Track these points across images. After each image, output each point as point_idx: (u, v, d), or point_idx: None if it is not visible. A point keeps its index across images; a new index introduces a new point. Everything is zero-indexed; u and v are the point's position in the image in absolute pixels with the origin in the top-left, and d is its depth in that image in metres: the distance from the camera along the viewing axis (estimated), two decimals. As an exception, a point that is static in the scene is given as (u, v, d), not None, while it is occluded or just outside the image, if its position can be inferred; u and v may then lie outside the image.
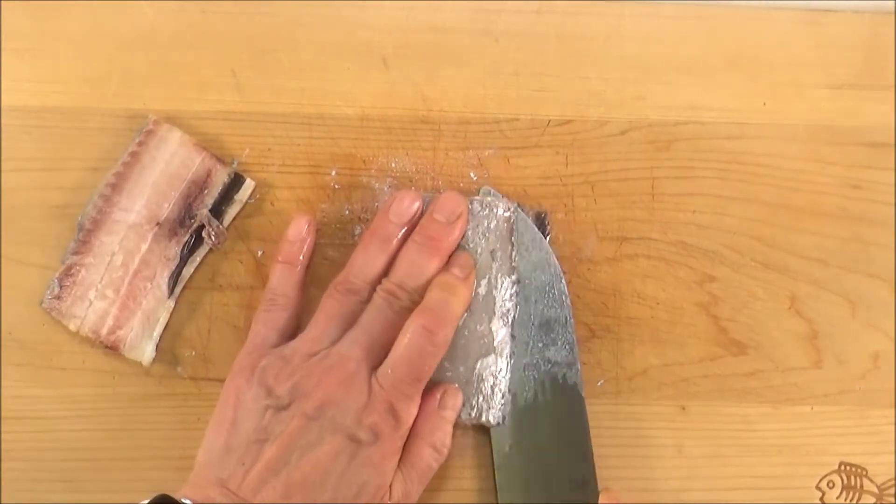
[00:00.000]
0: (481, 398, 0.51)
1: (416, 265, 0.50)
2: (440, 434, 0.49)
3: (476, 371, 0.51)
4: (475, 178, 0.55)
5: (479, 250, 0.52)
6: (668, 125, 0.56)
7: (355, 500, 0.46)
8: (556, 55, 0.56)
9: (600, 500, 0.50)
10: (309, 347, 0.49)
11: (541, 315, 0.52)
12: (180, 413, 0.53)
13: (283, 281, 0.52)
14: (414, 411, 0.48)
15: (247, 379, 0.48)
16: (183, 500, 0.44)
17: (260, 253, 0.54)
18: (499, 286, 0.52)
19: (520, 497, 0.51)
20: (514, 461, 0.51)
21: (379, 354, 0.48)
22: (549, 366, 0.52)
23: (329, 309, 0.50)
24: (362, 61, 0.56)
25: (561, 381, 0.52)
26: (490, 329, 0.51)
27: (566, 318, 0.53)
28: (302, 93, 0.56)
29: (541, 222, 0.54)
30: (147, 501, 0.44)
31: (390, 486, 0.47)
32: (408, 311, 0.49)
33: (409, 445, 0.49)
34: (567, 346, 0.52)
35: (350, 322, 0.49)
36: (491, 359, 0.51)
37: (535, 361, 0.52)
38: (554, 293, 0.53)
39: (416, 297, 0.49)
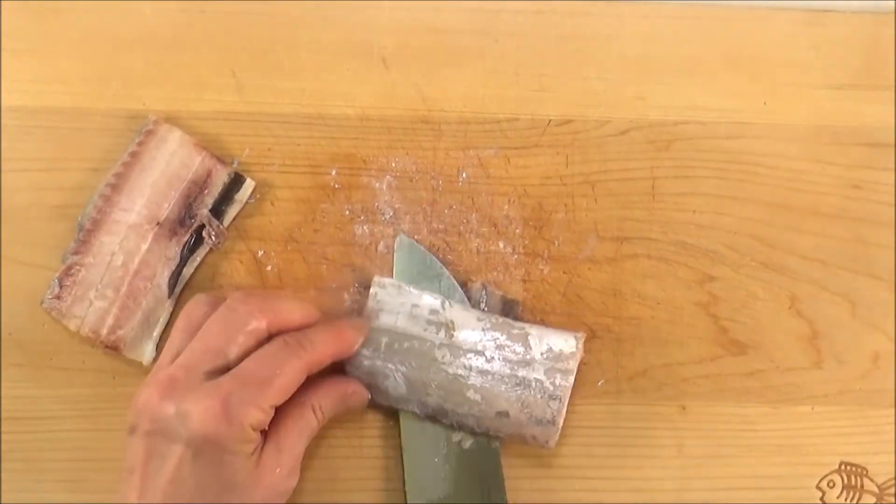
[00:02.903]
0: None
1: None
2: (326, 406, 0.49)
3: None
4: (464, 177, 0.55)
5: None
6: (668, 125, 0.56)
7: (221, 494, 0.45)
8: (556, 55, 0.56)
9: None
10: (157, 367, 0.48)
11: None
12: (180, 413, 0.53)
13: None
14: (256, 414, 0.45)
15: None
16: None
17: (260, 253, 0.55)
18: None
19: None
20: None
21: (221, 364, 0.46)
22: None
23: (179, 324, 0.49)
24: (362, 61, 0.56)
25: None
26: (429, 393, 0.51)
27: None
28: (302, 93, 0.56)
29: (508, 307, 0.54)
30: None
31: (259, 461, 0.46)
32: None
33: (277, 420, 0.47)
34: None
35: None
36: (405, 392, 0.51)
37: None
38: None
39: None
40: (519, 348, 0.51)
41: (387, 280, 0.53)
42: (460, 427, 0.52)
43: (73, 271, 0.52)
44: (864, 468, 0.54)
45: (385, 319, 0.52)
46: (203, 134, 0.55)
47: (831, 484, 0.54)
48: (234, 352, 0.46)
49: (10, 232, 0.54)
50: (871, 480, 0.54)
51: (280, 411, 0.47)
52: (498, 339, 0.51)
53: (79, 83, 0.55)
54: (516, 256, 0.55)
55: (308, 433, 0.48)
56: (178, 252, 0.53)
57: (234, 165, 0.55)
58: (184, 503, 0.44)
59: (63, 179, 0.54)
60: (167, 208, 0.53)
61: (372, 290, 0.52)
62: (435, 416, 0.51)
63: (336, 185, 0.55)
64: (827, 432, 0.54)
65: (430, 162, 0.55)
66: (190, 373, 0.46)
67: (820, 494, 0.54)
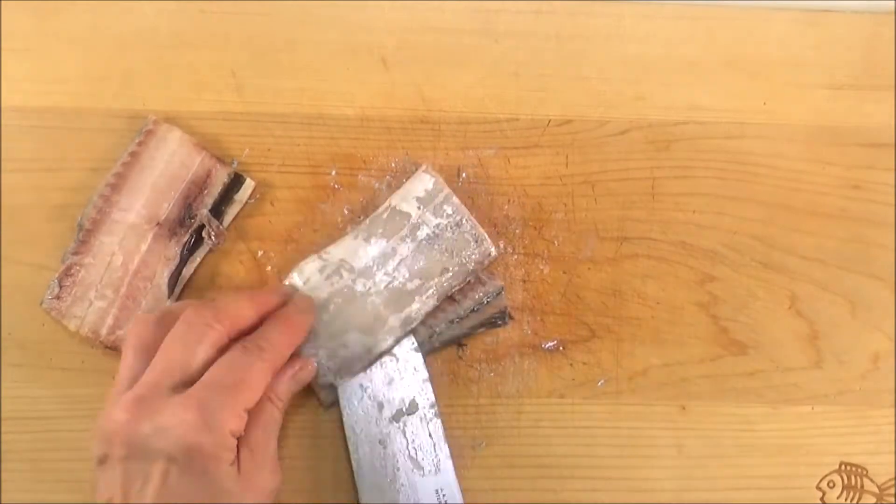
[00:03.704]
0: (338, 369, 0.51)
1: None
2: (281, 392, 0.49)
3: (349, 341, 0.51)
4: (464, 177, 0.55)
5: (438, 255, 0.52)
6: (668, 125, 0.56)
7: (213, 500, 0.44)
8: (556, 55, 0.56)
9: None
10: (115, 392, 0.47)
11: None
12: (180, 413, 0.53)
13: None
14: (231, 419, 0.45)
15: None
16: None
17: (260, 253, 0.54)
18: (421, 296, 0.52)
19: None
20: None
21: (185, 379, 0.46)
22: None
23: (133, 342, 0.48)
24: (362, 61, 0.56)
25: None
26: (385, 317, 0.51)
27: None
28: (302, 93, 0.56)
29: (501, 315, 0.54)
30: None
31: (239, 467, 0.46)
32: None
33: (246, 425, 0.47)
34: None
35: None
36: (370, 340, 0.51)
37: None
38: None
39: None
40: (402, 222, 0.52)
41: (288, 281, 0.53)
42: (431, 327, 0.52)
43: (72, 271, 0.52)
44: (864, 468, 0.54)
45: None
46: (203, 134, 0.55)
47: (831, 484, 0.54)
48: (197, 364, 0.46)
49: (10, 232, 0.54)
50: (871, 480, 0.54)
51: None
52: (381, 232, 0.52)
53: (79, 83, 0.55)
54: (516, 256, 0.55)
55: (273, 426, 0.48)
56: (178, 252, 0.53)
57: (234, 165, 0.55)
58: None
59: (63, 179, 0.54)
60: (167, 208, 0.53)
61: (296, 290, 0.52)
62: (401, 339, 0.52)
63: (336, 185, 0.55)
64: (827, 432, 0.54)
65: (430, 162, 0.55)
66: (155, 390, 0.45)
67: (820, 494, 0.54)
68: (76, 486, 0.53)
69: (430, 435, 0.52)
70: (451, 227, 0.52)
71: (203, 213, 0.53)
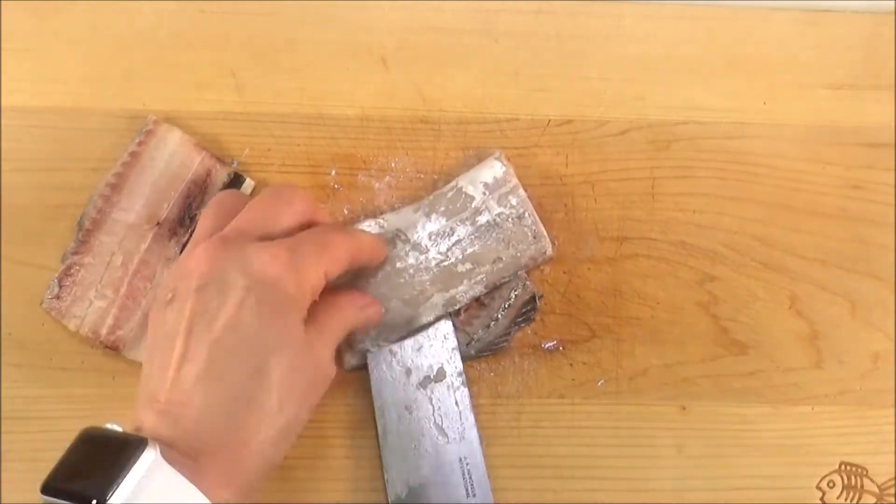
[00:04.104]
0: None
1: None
2: (348, 314, 0.49)
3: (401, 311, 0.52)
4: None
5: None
6: (668, 125, 0.56)
7: (280, 348, 0.43)
8: (556, 55, 0.56)
9: None
10: (193, 243, 0.47)
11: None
12: (180, 413, 0.53)
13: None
14: (314, 275, 0.44)
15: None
16: (108, 426, 0.41)
17: (260, 253, 0.54)
18: (470, 279, 0.52)
19: None
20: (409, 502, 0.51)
21: (268, 236, 0.45)
22: None
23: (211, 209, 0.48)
24: (362, 61, 0.56)
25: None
26: (430, 293, 0.52)
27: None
28: (302, 93, 0.56)
29: (531, 301, 0.53)
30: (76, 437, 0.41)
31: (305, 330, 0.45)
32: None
33: (316, 308, 0.46)
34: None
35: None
36: (411, 311, 0.52)
37: None
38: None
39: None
40: (465, 204, 0.52)
41: None
42: (469, 334, 0.52)
43: (72, 271, 0.52)
44: (864, 468, 0.54)
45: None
46: (203, 134, 0.55)
47: (831, 484, 0.54)
48: (281, 226, 0.46)
49: (10, 232, 0.54)
50: (871, 480, 0.54)
51: (315, 305, 0.46)
52: (443, 210, 0.52)
53: (79, 83, 0.55)
54: (516, 256, 0.55)
55: (343, 324, 0.48)
56: (178, 252, 0.53)
57: (234, 165, 0.55)
58: (241, 353, 0.42)
59: (63, 179, 0.54)
60: (167, 208, 0.53)
61: None
62: (441, 318, 0.52)
63: (336, 185, 0.55)
64: (827, 432, 0.54)
65: (430, 162, 0.55)
66: (241, 235, 0.45)
67: (820, 494, 0.54)
68: (76, 486, 0.53)
69: (456, 403, 0.52)
70: (512, 219, 0.52)
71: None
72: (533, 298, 0.53)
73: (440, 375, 0.52)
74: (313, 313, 0.46)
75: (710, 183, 0.56)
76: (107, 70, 0.55)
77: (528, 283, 0.53)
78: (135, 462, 0.39)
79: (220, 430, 0.42)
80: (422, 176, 0.55)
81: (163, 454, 0.39)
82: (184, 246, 0.53)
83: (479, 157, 0.54)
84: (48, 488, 0.40)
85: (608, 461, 0.54)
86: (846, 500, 0.54)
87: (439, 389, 0.52)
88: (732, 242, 0.55)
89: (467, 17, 0.56)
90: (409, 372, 0.52)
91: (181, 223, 0.54)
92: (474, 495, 0.51)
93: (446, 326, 0.52)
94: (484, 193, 0.52)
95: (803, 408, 0.54)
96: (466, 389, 0.52)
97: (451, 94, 0.56)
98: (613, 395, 0.54)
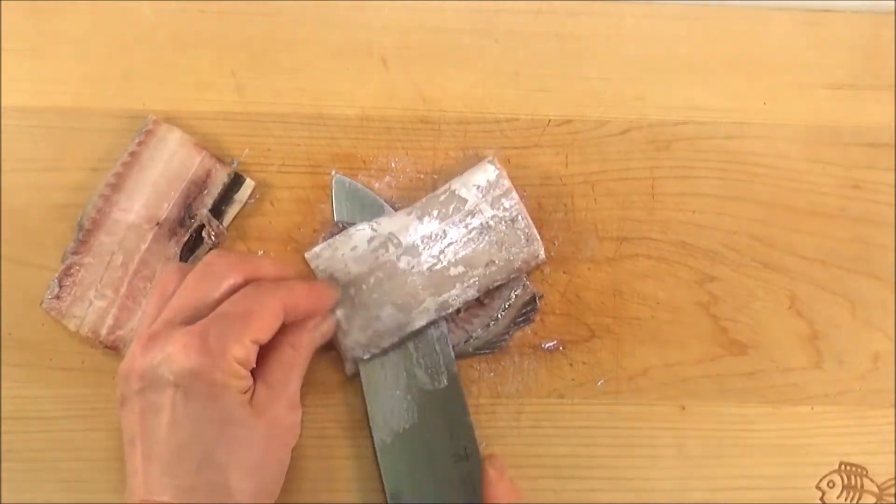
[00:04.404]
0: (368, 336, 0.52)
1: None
2: (302, 340, 0.48)
3: (381, 311, 0.52)
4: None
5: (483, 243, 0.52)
6: (668, 125, 0.56)
7: (222, 431, 0.44)
8: (556, 55, 0.56)
9: (486, 468, 0.49)
10: (136, 336, 0.47)
11: None
12: (180, 413, 0.53)
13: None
14: (237, 347, 0.44)
15: None
16: None
17: (260, 253, 0.54)
18: (462, 284, 0.52)
19: (405, 480, 0.51)
20: (395, 447, 0.51)
21: (199, 317, 0.46)
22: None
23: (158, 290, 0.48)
24: (362, 61, 0.56)
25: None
26: (422, 298, 0.52)
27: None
28: (302, 93, 0.56)
29: (531, 302, 0.54)
30: None
31: (253, 400, 0.46)
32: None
33: (264, 363, 0.47)
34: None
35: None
36: (403, 317, 0.52)
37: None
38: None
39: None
40: (458, 207, 0.52)
41: (314, 249, 0.53)
42: (468, 332, 0.53)
43: (72, 271, 0.52)
44: (864, 468, 0.54)
45: (340, 276, 0.52)
46: (203, 134, 0.55)
47: (831, 484, 0.54)
48: (210, 303, 0.46)
49: (10, 232, 0.54)
50: (871, 480, 0.54)
51: (263, 356, 0.46)
52: (436, 213, 0.52)
53: (79, 83, 0.55)
54: (516, 256, 0.55)
55: (293, 366, 0.48)
56: (178, 252, 0.53)
57: (234, 165, 0.55)
58: (188, 449, 0.44)
59: (63, 179, 0.54)
60: (167, 208, 0.53)
61: (312, 265, 0.52)
62: (437, 321, 0.52)
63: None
64: (827, 432, 0.54)
65: (430, 162, 0.55)
66: (168, 326, 0.45)
67: (820, 494, 0.54)
68: (76, 486, 0.53)
69: (437, 350, 0.52)
70: (505, 222, 0.52)
71: (203, 213, 0.53)
72: (533, 299, 0.53)
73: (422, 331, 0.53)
74: (262, 371, 0.46)
75: (709, 183, 0.56)
76: (107, 70, 0.55)
77: (527, 283, 0.53)
78: None
79: None
80: (422, 176, 0.55)
81: None
82: (184, 246, 0.53)
83: (479, 158, 0.54)
84: None
85: (608, 461, 0.54)
86: (846, 500, 0.54)
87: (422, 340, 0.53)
88: (732, 242, 0.55)
89: (467, 17, 0.56)
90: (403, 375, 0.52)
91: (181, 223, 0.54)
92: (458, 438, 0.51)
93: (437, 331, 0.53)
94: (477, 196, 0.52)
95: (803, 408, 0.54)
96: (445, 330, 0.52)
97: (451, 94, 0.56)
98: (613, 395, 0.54)
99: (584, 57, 0.56)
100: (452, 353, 0.53)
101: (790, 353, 0.55)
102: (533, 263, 0.53)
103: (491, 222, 0.52)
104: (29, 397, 0.53)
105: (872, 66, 0.57)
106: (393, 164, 0.55)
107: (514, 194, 0.52)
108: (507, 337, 0.53)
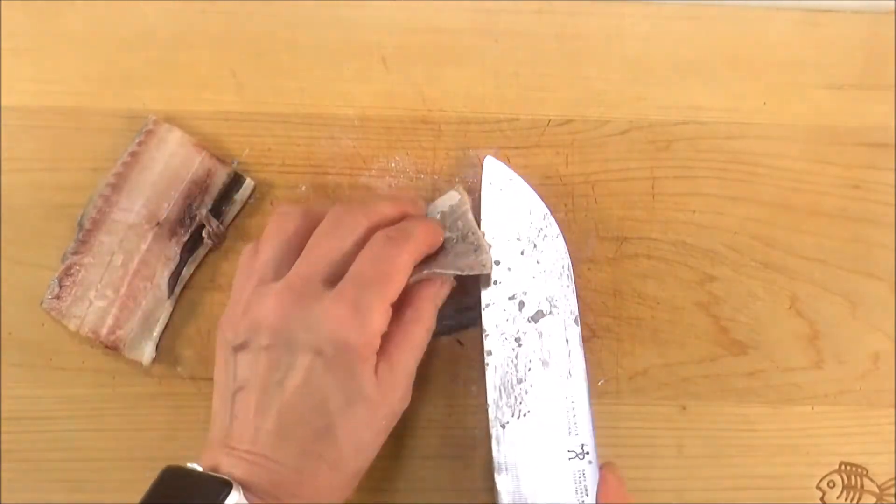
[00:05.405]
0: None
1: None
2: (424, 312, 0.48)
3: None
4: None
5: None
6: (668, 125, 0.56)
7: (348, 406, 0.44)
8: (556, 55, 0.56)
9: (602, 474, 0.49)
10: (260, 281, 0.47)
11: None
12: (180, 413, 0.53)
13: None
14: (380, 316, 0.45)
15: (218, 338, 0.47)
16: (189, 465, 0.44)
17: (260, 253, 0.54)
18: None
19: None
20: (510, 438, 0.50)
21: (335, 273, 0.46)
22: None
23: (276, 230, 0.48)
24: (362, 61, 0.56)
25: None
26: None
27: None
28: (302, 93, 0.56)
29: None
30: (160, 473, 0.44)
31: (376, 374, 0.45)
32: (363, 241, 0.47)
33: (386, 342, 0.46)
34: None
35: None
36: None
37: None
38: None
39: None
40: None
41: None
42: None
43: (72, 271, 0.52)
44: (864, 468, 0.54)
45: None
46: (203, 134, 0.55)
47: (831, 484, 0.54)
48: (346, 260, 0.46)
49: (10, 232, 0.54)
50: (871, 480, 0.54)
51: (384, 338, 0.46)
52: None
53: (79, 83, 0.55)
54: (516, 256, 0.55)
55: (416, 347, 0.47)
56: (178, 252, 0.53)
57: (234, 165, 0.55)
58: (311, 416, 0.44)
59: (63, 179, 0.54)
60: (167, 208, 0.53)
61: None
62: None
63: (336, 185, 0.55)
64: (827, 432, 0.54)
65: (430, 162, 0.55)
66: (308, 283, 0.45)
67: (820, 494, 0.54)
68: (76, 486, 0.53)
69: (566, 341, 0.51)
70: (458, 240, 0.52)
71: (203, 213, 0.53)
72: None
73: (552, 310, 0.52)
74: (383, 348, 0.46)
75: (710, 183, 0.56)
76: (107, 70, 0.55)
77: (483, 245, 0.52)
78: (221, 502, 0.41)
79: (292, 481, 0.44)
80: (422, 176, 0.55)
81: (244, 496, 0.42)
82: (184, 246, 0.53)
83: (480, 158, 0.54)
84: None
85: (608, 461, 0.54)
86: (846, 500, 0.54)
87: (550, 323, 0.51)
88: (732, 242, 0.55)
89: (467, 17, 0.56)
90: (521, 305, 0.51)
91: (181, 223, 0.54)
92: (577, 434, 0.50)
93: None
94: (440, 220, 0.52)
95: (803, 408, 0.54)
96: (578, 328, 0.51)
97: (451, 94, 0.56)
98: (613, 395, 0.54)
99: (584, 57, 0.56)
100: (581, 347, 0.51)
101: (790, 353, 0.55)
102: (477, 270, 0.51)
103: (447, 246, 0.51)
104: (29, 397, 0.53)
105: (872, 66, 0.57)
106: (393, 164, 0.55)
107: (469, 216, 0.52)
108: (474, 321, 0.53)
